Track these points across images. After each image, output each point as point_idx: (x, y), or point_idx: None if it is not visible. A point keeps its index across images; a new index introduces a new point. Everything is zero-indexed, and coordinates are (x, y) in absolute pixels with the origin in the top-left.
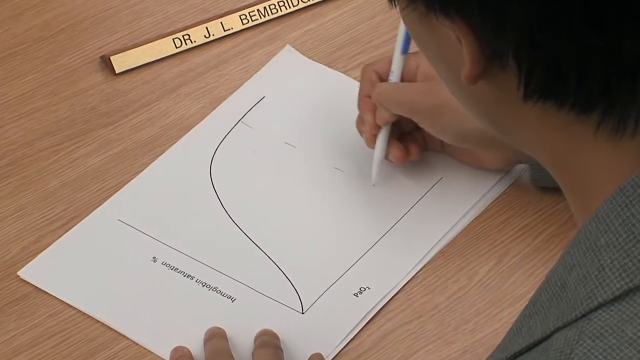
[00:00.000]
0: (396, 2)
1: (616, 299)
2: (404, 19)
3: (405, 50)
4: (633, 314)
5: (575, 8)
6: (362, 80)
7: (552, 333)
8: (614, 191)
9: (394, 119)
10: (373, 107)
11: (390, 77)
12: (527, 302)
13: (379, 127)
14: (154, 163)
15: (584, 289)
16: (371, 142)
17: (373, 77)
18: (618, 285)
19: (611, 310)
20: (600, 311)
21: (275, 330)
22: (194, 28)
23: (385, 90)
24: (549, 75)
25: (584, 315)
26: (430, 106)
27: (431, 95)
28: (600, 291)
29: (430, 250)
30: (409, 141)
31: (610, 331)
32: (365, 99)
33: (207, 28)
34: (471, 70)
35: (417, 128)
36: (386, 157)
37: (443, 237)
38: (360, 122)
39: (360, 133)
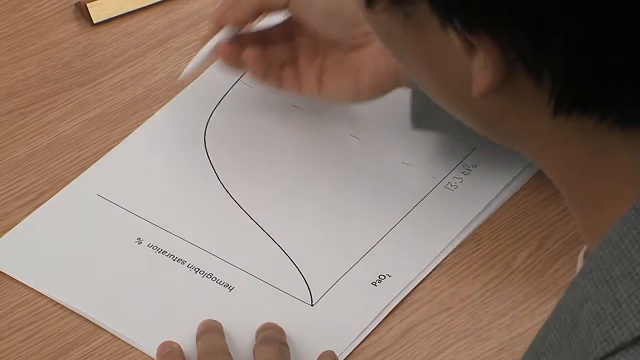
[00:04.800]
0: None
1: (636, 341)
2: (374, 21)
3: None
4: None
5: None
6: None
7: None
8: (627, 212)
9: (252, 19)
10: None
11: None
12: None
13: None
14: (138, 129)
15: (598, 328)
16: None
17: None
18: (637, 325)
19: (631, 355)
20: (618, 356)
21: (280, 325)
22: None
23: None
24: (595, 88)
25: None
26: None
27: None
28: (617, 332)
29: (461, 232)
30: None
31: None
32: None
33: None
34: (490, 85)
35: (291, 61)
36: (216, 51)
37: (475, 217)
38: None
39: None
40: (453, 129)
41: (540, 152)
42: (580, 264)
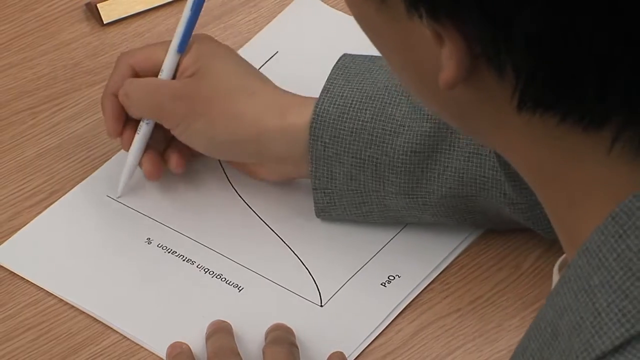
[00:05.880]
0: None
1: (616, 350)
2: (352, 3)
3: (182, 48)
4: None
5: (598, 19)
6: (113, 73)
7: None
8: (604, 220)
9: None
10: (119, 107)
11: (160, 76)
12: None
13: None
14: None
15: (578, 338)
16: (128, 146)
17: (126, 73)
18: (618, 334)
19: None
20: None
21: (289, 325)
22: None
23: (134, 90)
24: (557, 87)
25: None
26: (181, 113)
27: (184, 100)
28: (598, 341)
29: (471, 233)
30: (174, 149)
31: None
32: (111, 97)
33: None
34: (456, 76)
35: None
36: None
37: None
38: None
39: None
40: (359, 220)
41: (509, 148)
42: (555, 275)
